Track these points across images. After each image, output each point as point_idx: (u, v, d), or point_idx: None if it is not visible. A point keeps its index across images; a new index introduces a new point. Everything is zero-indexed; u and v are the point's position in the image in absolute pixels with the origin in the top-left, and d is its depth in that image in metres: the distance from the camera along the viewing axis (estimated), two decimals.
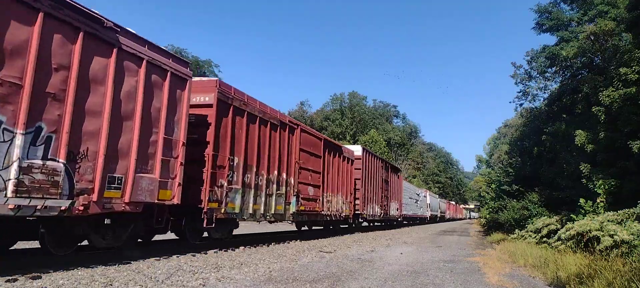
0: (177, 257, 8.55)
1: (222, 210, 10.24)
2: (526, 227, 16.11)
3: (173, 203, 8.54)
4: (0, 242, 7.24)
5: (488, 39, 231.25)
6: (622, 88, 12.53)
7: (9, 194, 5.63)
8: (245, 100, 11.31)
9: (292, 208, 13.73)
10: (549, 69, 22.78)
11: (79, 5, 6.62)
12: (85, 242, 7.70)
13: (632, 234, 8.79)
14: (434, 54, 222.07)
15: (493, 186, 31.86)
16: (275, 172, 12.74)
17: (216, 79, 11.10)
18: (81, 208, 6.62)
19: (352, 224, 21.41)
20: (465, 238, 21.39)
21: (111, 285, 5.58)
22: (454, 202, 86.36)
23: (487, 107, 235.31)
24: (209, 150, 9.91)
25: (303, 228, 18.70)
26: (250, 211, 11.34)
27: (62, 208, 6.34)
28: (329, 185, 17.28)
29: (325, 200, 16.59)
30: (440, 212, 57.30)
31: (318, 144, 16.22)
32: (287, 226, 22.66)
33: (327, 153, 17.12)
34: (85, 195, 6.70)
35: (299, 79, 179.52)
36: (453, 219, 77.37)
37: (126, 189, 7.45)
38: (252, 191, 11.45)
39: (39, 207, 6.00)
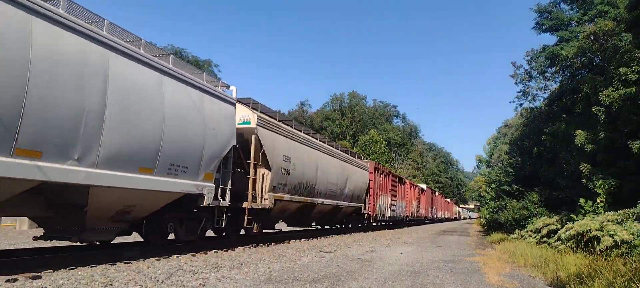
0: (177, 256, 8.55)
1: None
2: (526, 227, 16.11)
3: None
4: None
5: (489, 38, 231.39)
6: (622, 88, 12.52)
7: None
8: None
9: None
10: (549, 69, 22.73)
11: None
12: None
13: (632, 234, 8.78)
14: (434, 53, 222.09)
15: (493, 186, 31.83)
16: None
17: None
18: None
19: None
20: (465, 238, 21.39)
21: (111, 285, 5.58)
22: (425, 187, 44.31)
23: (487, 107, 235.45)
24: None
25: None
26: None
27: None
28: None
29: None
30: (348, 200, 19.93)
31: None
32: None
33: None
34: None
35: (299, 79, 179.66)
36: (422, 220, 41.48)
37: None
38: None
39: None
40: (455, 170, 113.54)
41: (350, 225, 22.31)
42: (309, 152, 15.23)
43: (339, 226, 21.90)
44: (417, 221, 39.96)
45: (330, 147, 18.03)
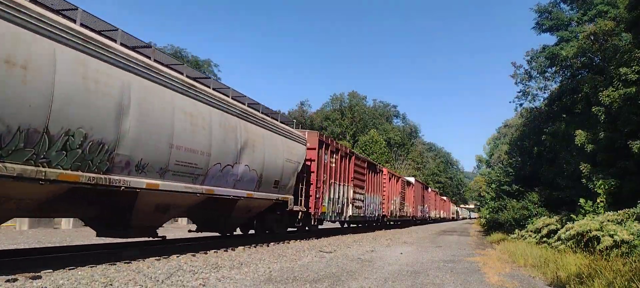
0: (177, 257, 8.55)
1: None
2: (526, 227, 16.13)
3: None
4: None
5: (489, 38, 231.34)
6: (622, 88, 12.53)
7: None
8: None
9: None
10: (549, 69, 22.74)
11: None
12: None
13: (632, 234, 8.79)
14: (434, 53, 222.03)
15: (493, 186, 31.82)
16: None
17: None
18: None
19: None
20: (465, 238, 21.40)
21: (111, 285, 5.58)
22: (413, 180, 36.39)
23: (487, 107, 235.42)
24: None
25: None
26: None
27: None
28: None
29: None
30: (252, 187, 11.44)
31: None
32: None
33: None
34: None
35: (299, 79, 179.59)
36: (409, 221, 34.62)
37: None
38: None
39: None
40: (455, 170, 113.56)
41: (267, 232, 13.74)
42: (87, 64, 6.55)
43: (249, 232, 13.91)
44: (403, 222, 33.24)
45: (196, 84, 9.14)
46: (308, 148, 14.98)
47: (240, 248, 10.80)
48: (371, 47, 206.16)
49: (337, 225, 22.58)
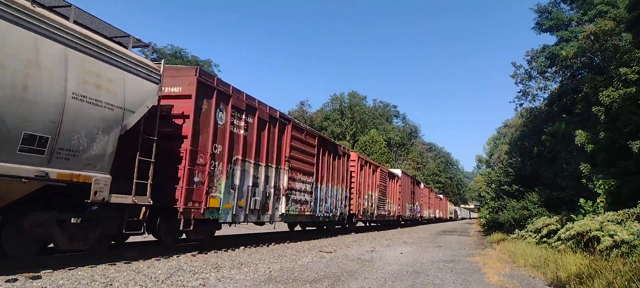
0: (177, 256, 8.55)
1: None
2: (526, 227, 16.13)
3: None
4: None
5: (489, 38, 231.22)
6: (622, 88, 12.53)
7: None
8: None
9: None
10: (549, 69, 22.78)
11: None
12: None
13: (632, 234, 8.78)
14: (434, 53, 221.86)
15: (493, 186, 31.82)
16: None
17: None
18: None
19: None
20: (465, 238, 21.40)
21: (111, 285, 5.58)
22: (399, 173, 30.05)
23: (487, 107, 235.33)
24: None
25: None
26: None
27: None
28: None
29: None
30: None
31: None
32: None
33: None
34: None
35: (299, 79, 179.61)
36: (393, 222, 29.51)
37: None
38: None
39: None
40: (455, 170, 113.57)
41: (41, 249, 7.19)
42: None
43: None
44: (384, 223, 28.09)
45: None
46: (170, 95, 9.05)
47: (241, 248, 10.81)
48: (371, 47, 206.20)
49: (281, 229, 17.25)
